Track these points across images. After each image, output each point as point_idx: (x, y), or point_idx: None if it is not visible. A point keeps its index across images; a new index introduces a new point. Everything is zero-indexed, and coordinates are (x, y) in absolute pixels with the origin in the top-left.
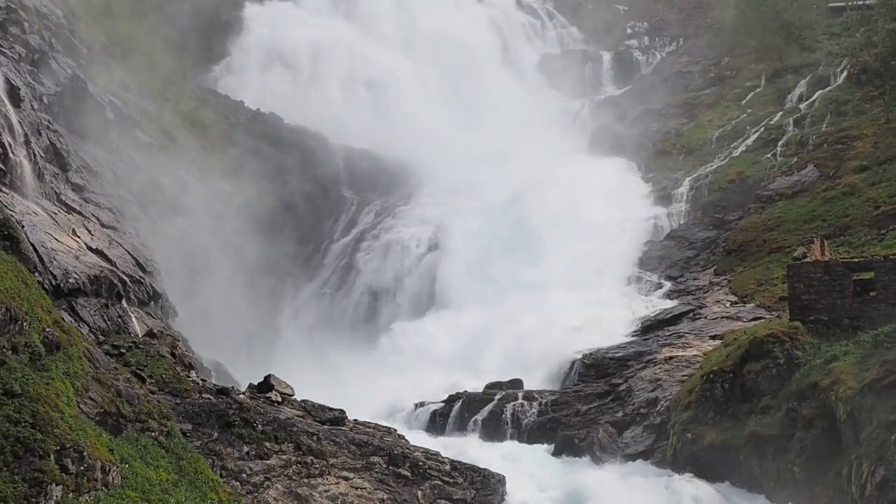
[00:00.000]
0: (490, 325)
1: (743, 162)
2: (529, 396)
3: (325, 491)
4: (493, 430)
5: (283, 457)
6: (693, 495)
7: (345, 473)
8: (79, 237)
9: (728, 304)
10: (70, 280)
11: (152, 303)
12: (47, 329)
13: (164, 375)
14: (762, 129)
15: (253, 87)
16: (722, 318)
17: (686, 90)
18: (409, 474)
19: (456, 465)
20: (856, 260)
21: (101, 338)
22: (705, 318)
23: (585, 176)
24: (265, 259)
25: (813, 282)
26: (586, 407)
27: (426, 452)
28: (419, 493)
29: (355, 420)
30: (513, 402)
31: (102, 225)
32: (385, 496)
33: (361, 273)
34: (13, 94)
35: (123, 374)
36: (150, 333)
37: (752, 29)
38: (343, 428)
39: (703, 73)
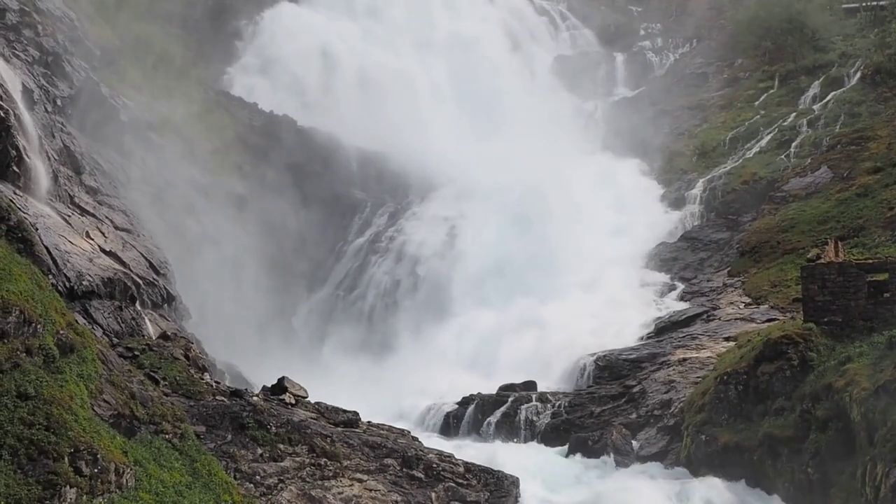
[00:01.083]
0: (504, 326)
1: (756, 163)
2: (543, 398)
3: (339, 493)
4: (507, 432)
5: (297, 459)
6: (707, 497)
7: (358, 475)
8: (92, 239)
9: (742, 306)
10: (84, 282)
11: (166, 305)
12: (61, 331)
13: (177, 377)
14: (776, 130)
15: (266, 90)
16: (736, 319)
17: (699, 91)
18: (422, 476)
19: (470, 467)
20: (870, 261)
21: (115, 340)
22: (719, 319)
23: (599, 177)
24: (279, 261)
25: (827, 283)
26: (600, 409)
27: (440, 454)
28: (433, 495)
29: (369, 422)
30: (526, 404)
31: (116, 227)
32: (399, 498)
33: (375, 275)
34: (27, 96)
35: (137, 377)
36: (163, 336)
37: (766, 30)
38: (357, 430)
39: (717, 74)
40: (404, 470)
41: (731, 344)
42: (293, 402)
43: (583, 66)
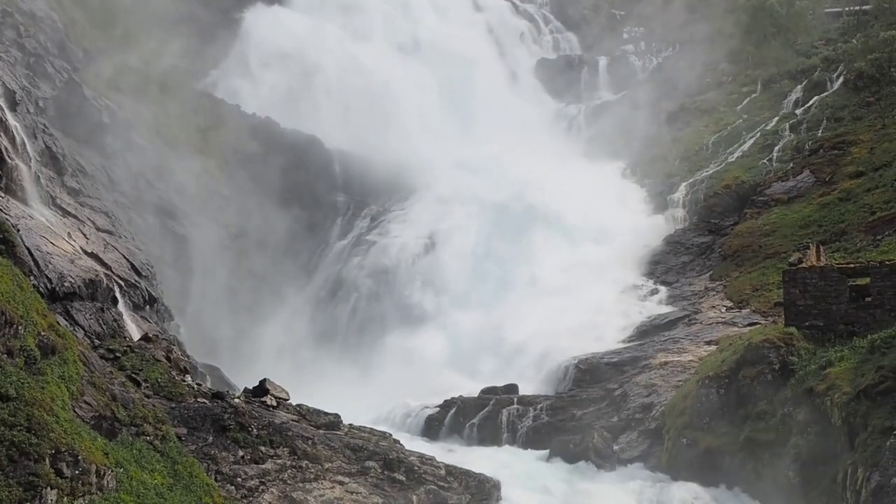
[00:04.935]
0: (485, 330)
1: (739, 167)
2: (525, 401)
3: (321, 495)
4: (489, 435)
5: (278, 461)
6: (688, 500)
7: (340, 478)
8: (74, 241)
9: (724, 310)
10: (65, 284)
11: (148, 307)
12: (42, 333)
13: (159, 379)
14: (758, 134)
15: (249, 92)
16: (717, 323)
17: (682, 95)
18: (404, 479)
19: (451, 470)
20: (851, 265)
21: (97, 342)
22: (701, 323)
23: (581, 181)
24: (261, 263)
25: (808, 287)
26: (582, 412)
27: (421, 457)
28: (414, 497)
29: (350, 425)
30: (508, 408)
31: (98, 229)
32: (380, 501)
33: (357, 278)
34: (9, 97)
35: (118, 379)
36: (145, 337)
37: (749, 34)
38: (338, 432)
39: (700, 78)
40: (386, 472)
41: (713, 348)
42: (275, 404)
43: (565, 69)
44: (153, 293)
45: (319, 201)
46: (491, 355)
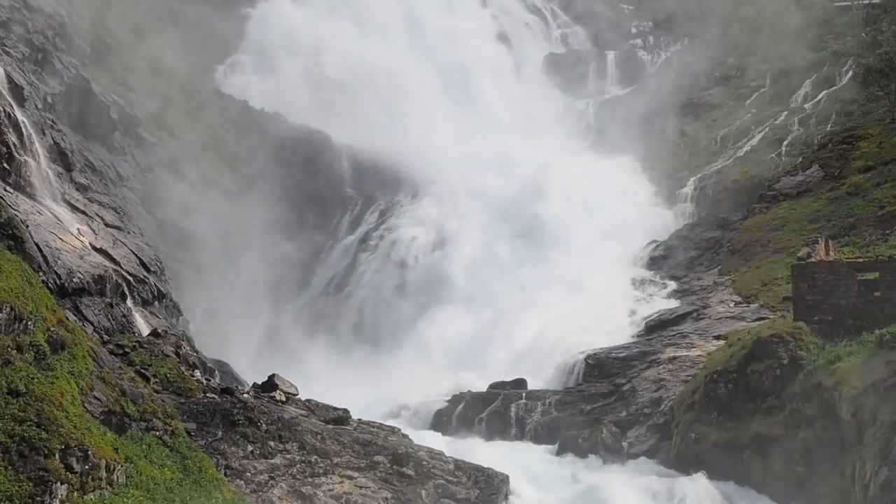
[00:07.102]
0: (494, 325)
1: (748, 162)
2: (533, 396)
3: (329, 490)
4: (497, 430)
5: (288, 456)
6: (697, 495)
7: (349, 472)
8: (83, 237)
9: (732, 305)
10: (74, 279)
11: (156, 302)
12: (52, 328)
13: (168, 375)
14: (767, 129)
15: (257, 87)
16: (726, 318)
17: (691, 90)
18: (412, 473)
19: (459, 465)
20: (860, 260)
21: (106, 337)
22: (709, 318)
23: (590, 176)
24: (269, 258)
25: (817, 282)
26: (590, 407)
27: (430, 452)
28: (423, 492)
29: (359, 419)
30: (516, 402)
31: (106, 224)
32: (389, 495)
33: (365, 273)
34: (17, 93)
35: (128, 374)
36: (154, 333)
37: (758, 28)
38: (347, 427)
39: (709, 72)
40: (394, 467)
41: (721, 342)
42: (284, 399)
43: (574, 64)
44: (162, 289)
45: (328, 196)
46: (499, 350)
